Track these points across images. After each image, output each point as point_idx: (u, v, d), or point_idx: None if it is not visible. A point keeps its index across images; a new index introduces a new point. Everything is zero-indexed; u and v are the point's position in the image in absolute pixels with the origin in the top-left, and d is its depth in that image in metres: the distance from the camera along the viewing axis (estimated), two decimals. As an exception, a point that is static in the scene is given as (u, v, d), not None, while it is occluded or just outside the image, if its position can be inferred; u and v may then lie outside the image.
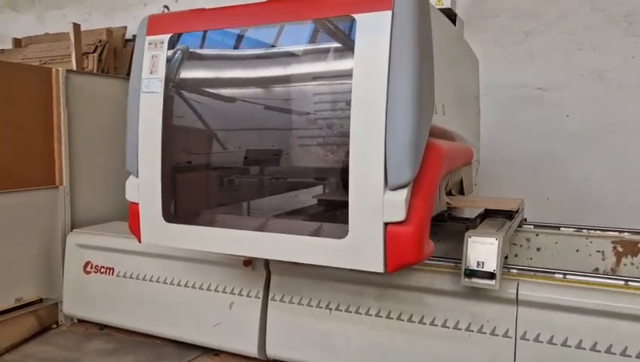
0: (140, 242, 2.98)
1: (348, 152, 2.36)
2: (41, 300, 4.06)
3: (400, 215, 2.26)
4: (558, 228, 3.70)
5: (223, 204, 3.09)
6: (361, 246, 2.35)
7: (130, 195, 2.97)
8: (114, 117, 4.67)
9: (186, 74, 2.94)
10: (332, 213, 2.69)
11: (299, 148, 2.81)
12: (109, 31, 5.86)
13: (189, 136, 3.03)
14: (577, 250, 3.56)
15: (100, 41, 5.64)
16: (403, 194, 2.26)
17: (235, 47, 2.84)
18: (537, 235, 3.72)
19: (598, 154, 4.52)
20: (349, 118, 2.35)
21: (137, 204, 2.93)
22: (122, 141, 4.67)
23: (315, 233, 2.58)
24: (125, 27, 6.20)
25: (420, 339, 2.92)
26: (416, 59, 2.25)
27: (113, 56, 5.85)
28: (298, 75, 2.74)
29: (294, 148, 2.84)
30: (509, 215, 3.26)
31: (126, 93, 4.69)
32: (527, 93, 4.72)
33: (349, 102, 2.37)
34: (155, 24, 2.87)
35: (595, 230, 3.59)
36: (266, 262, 3.36)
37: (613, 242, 3.49)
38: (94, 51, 5.53)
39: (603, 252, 3.49)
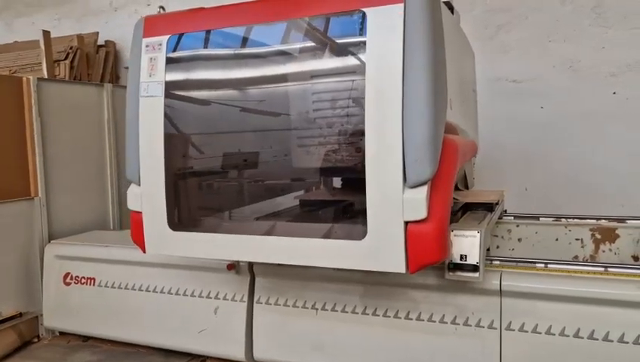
0: (144, 252, 2.89)
1: (356, 151, 2.33)
2: (20, 314, 3.96)
3: (421, 213, 2.22)
4: (538, 218, 3.76)
5: (228, 208, 3.00)
6: (381, 247, 2.30)
7: (133, 204, 2.87)
8: (89, 124, 4.61)
9: (186, 76, 2.85)
10: (344, 214, 2.65)
11: (300, 148, 2.74)
12: (80, 37, 5.76)
13: (188, 140, 2.93)
14: (557, 239, 3.62)
15: (71, 48, 5.54)
16: (423, 192, 2.21)
17: (235, 47, 2.74)
18: (518, 226, 3.77)
19: (573, 144, 4.59)
20: (355, 115, 2.31)
21: (140, 213, 2.83)
22: (99, 148, 4.64)
23: (327, 235, 2.51)
24: (97, 33, 6.10)
25: (407, 335, 2.93)
26: (431, 53, 2.20)
27: (85, 62, 5.75)
28: (307, 74, 2.64)
29: (295, 149, 2.77)
30: (489, 207, 3.30)
31: (100, 100, 4.68)
32: (502, 86, 4.78)
33: (355, 100, 2.33)
34: (151, 25, 2.77)
35: (574, 218, 3.66)
36: (250, 265, 3.34)
37: (591, 229, 3.56)
38: (66, 58, 5.43)
39: (582, 239, 3.56)
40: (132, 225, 2.91)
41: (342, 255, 2.41)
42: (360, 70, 2.32)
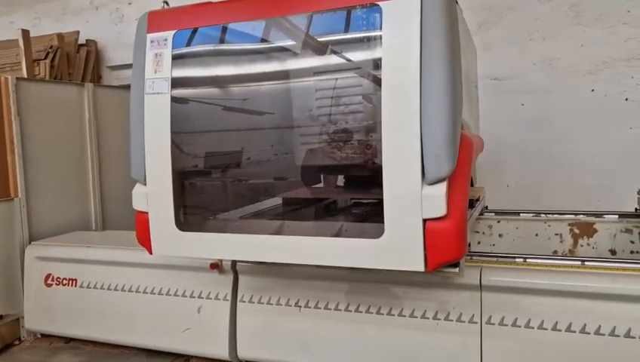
0: (150, 254, 2.82)
1: (366, 148, 2.29)
2: (1, 317, 3.92)
3: (441, 210, 2.17)
4: (518, 213, 3.82)
5: (236, 207, 2.93)
6: (398, 245, 2.24)
7: (138, 204, 2.78)
8: (70, 124, 4.56)
9: (192, 73, 2.79)
10: (358, 212, 2.60)
11: (308, 147, 2.68)
12: (61, 36, 5.70)
13: (194, 138, 2.86)
14: (537, 234, 3.68)
15: (51, 47, 5.48)
16: (442, 188, 2.16)
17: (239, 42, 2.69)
18: (499, 222, 3.83)
19: (553, 140, 4.67)
20: (366, 112, 2.27)
21: (146, 213, 2.76)
22: (80, 148, 4.60)
23: (340, 234, 2.46)
24: (78, 31, 6.04)
25: (389, 330, 2.95)
26: (449, 46, 2.15)
27: (66, 61, 5.70)
28: (315, 70, 2.58)
29: (298, 147, 2.72)
30: (469, 203, 3.33)
31: (80, 100, 4.63)
32: (483, 84, 4.83)
33: (365, 96, 2.29)
34: (156, 21, 2.68)
35: (553, 214, 3.72)
36: (234, 264, 3.33)
37: (569, 225, 3.62)
38: (46, 57, 5.37)
39: (561, 234, 3.63)
40: (137, 225, 2.82)
41: (357, 254, 2.34)
42: (368, 66, 2.28)
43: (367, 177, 2.31)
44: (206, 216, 2.90)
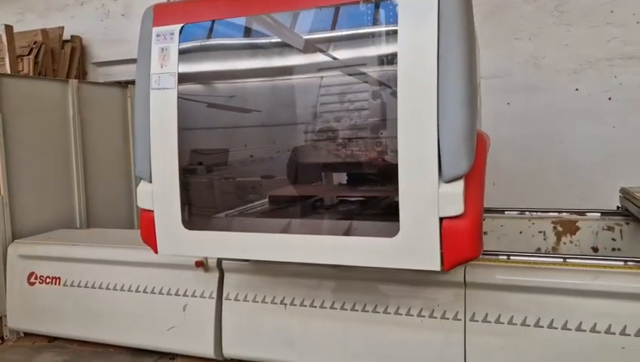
0: (156, 253, 2.74)
1: (376, 146, 2.28)
2: (-17, 316, 3.88)
3: (458, 209, 2.13)
4: (503, 211, 3.85)
5: (243, 205, 2.88)
6: (414, 244, 2.21)
7: (143, 202, 2.71)
8: (54, 121, 4.51)
9: (199, 68, 2.73)
10: (369, 210, 2.58)
11: (311, 143, 2.67)
12: (45, 31, 5.64)
13: (200, 134, 2.82)
14: (521, 232, 3.71)
15: (35, 43, 5.42)
16: (460, 187, 2.13)
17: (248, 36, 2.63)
18: (484, 219, 3.83)
19: (538, 139, 4.71)
20: (378, 109, 2.26)
21: (151, 211, 2.69)
22: (64, 145, 4.56)
23: (349, 232, 2.43)
24: (62, 27, 5.98)
25: (375, 327, 2.96)
26: (466, 40, 2.10)
27: (51, 57, 5.64)
28: (326, 65, 2.54)
29: (307, 145, 2.69)
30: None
31: (64, 96, 4.59)
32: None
33: (374, 94, 2.26)
34: (162, 14, 2.60)
35: (537, 212, 3.76)
36: (219, 262, 3.32)
37: (553, 222, 3.66)
38: (29, 53, 5.31)
39: (544, 232, 3.66)
40: (142, 224, 2.76)
41: (371, 253, 2.30)
42: (374, 62, 2.26)
43: (379, 175, 2.29)
44: (212, 214, 2.86)
